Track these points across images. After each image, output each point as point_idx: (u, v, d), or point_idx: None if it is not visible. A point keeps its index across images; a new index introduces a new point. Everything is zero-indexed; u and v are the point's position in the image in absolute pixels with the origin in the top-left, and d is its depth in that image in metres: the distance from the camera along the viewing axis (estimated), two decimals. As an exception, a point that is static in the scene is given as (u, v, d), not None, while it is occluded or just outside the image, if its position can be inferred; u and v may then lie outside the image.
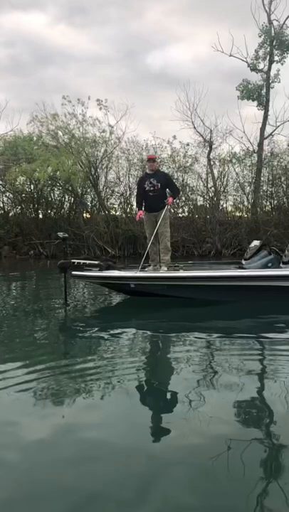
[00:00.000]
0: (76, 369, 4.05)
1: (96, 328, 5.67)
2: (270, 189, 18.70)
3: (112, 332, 5.47)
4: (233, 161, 17.85)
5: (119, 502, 2.14)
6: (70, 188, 17.56)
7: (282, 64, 17.38)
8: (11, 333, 5.61)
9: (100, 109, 16.82)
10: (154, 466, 2.43)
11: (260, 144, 17.82)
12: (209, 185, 18.38)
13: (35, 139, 17.40)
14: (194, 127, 18.04)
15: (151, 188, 7.09)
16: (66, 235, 7.21)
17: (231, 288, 6.67)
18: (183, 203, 18.31)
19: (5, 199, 19.44)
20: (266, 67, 17.59)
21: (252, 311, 6.33)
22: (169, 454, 2.57)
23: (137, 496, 2.17)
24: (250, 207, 18.23)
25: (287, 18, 16.90)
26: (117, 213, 18.53)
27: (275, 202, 18.82)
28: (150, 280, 6.87)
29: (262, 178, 18.24)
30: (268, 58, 17.45)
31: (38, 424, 3.01)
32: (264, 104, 17.62)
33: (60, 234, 7.11)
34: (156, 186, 7.07)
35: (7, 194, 19.15)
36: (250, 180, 18.32)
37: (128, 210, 18.20)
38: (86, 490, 2.22)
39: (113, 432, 2.86)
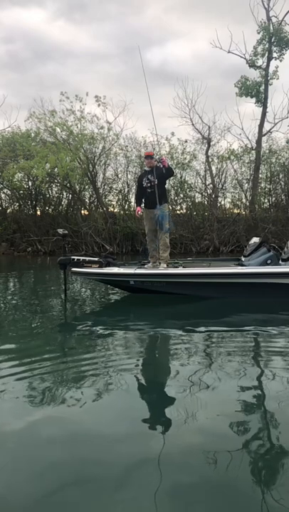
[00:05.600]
0: (74, 364, 4.06)
1: (95, 325, 5.67)
2: (269, 186, 18.71)
3: (111, 328, 5.48)
4: (232, 158, 17.83)
5: (113, 496, 2.16)
6: (68, 184, 17.52)
7: (280, 61, 17.39)
8: (11, 330, 5.61)
9: (99, 105, 16.80)
10: (150, 459, 2.45)
11: (259, 141, 17.82)
12: (207, 182, 18.38)
13: (33, 135, 17.33)
14: (192, 124, 18.01)
15: (148, 185, 7.13)
16: (66, 232, 7.21)
17: (231, 285, 6.68)
18: (181, 200, 18.31)
19: (3, 196, 19.45)
20: (265, 63, 17.58)
21: (251, 308, 6.36)
22: (166, 446, 2.58)
23: (133, 491, 2.19)
24: (248, 204, 18.24)
25: (285, 15, 16.90)
26: (115, 210, 18.51)
27: (273, 199, 18.85)
28: (149, 277, 6.88)
29: (260, 175, 18.25)
30: (266, 55, 17.43)
31: (35, 416, 3.03)
32: (262, 101, 17.62)
33: (60, 230, 7.10)
34: (153, 182, 7.10)
35: (5, 191, 19.14)
36: (249, 177, 18.32)
37: (126, 206, 18.17)
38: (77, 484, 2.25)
39: (110, 424, 2.88)
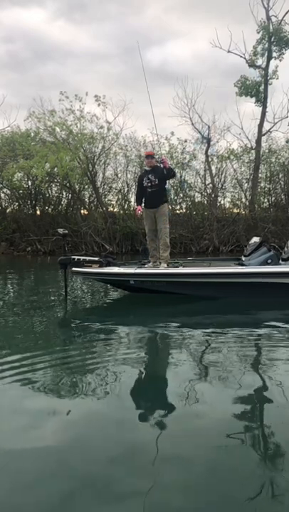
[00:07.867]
0: (75, 363, 4.07)
1: (95, 324, 5.68)
2: (268, 186, 18.72)
3: (111, 328, 5.49)
4: (231, 157, 17.83)
5: (110, 495, 2.16)
6: (67, 184, 17.51)
7: (280, 60, 17.42)
8: (11, 329, 5.60)
9: (98, 105, 16.79)
10: (148, 456, 2.45)
11: (258, 141, 17.83)
12: (207, 182, 18.38)
13: (32, 135, 17.32)
14: (192, 123, 18.00)
15: (149, 184, 7.13)
16: (66, 232, 7.20)
17: (231, 285, 6.68)
18: (181, 200, 18.30)
19: (2, 195, 19.44)
20: (264, 63, 17.59)
21: (250, 308, 6.34)
22: (164, 444, 2.59)
23: (130, 487, 2.19)
24: (247, 204, 18.24)
25: (285, 15, 16.91)
26: (115, 210, 18.51)
27: (273, 199, 18.86)
28: (150, 277, 6.88)
29: (260, 175, 18.25)
30: (266, 54, 17.43)
31: (35, 414, 3.04)
32: (262, 101, 17.63)
33: (60, 230, 7.09)
34: (154, 182, 7.10)
35: (4, 190, 19.12)
36: (248, 176, 18.33)
37: (126, 206, 18.18)
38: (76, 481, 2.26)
39: (109, 422, 2.89)
